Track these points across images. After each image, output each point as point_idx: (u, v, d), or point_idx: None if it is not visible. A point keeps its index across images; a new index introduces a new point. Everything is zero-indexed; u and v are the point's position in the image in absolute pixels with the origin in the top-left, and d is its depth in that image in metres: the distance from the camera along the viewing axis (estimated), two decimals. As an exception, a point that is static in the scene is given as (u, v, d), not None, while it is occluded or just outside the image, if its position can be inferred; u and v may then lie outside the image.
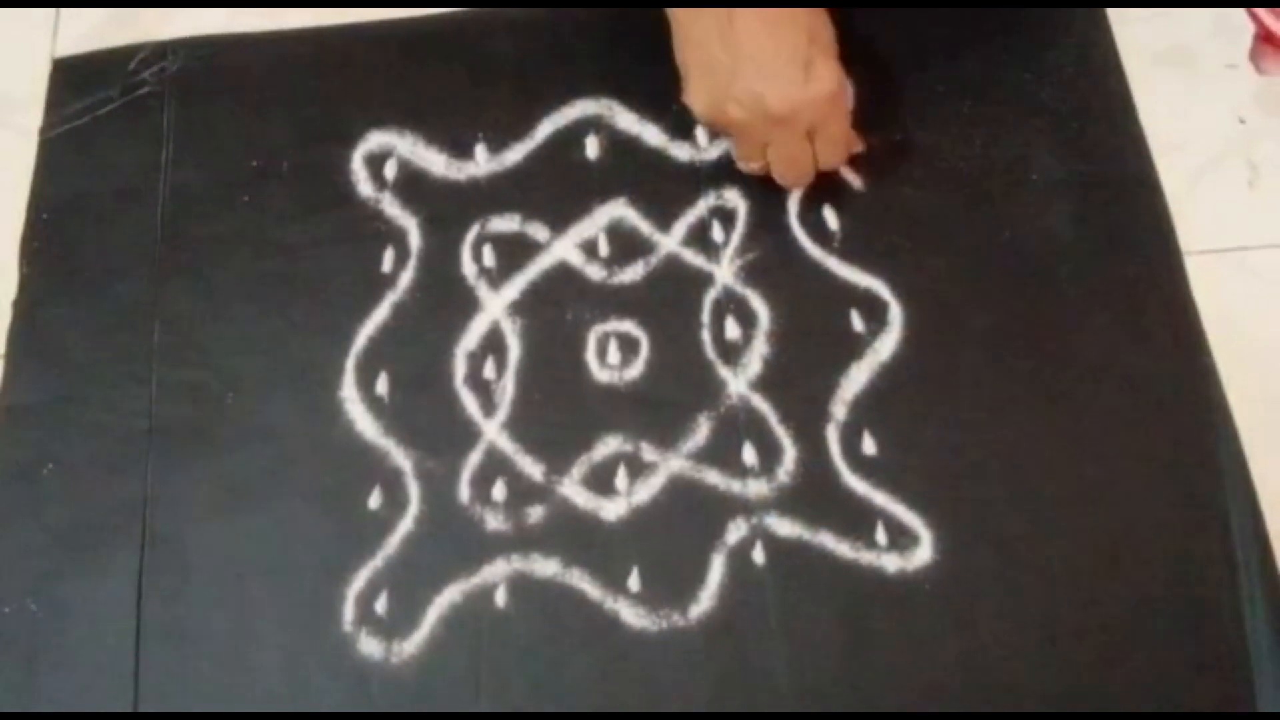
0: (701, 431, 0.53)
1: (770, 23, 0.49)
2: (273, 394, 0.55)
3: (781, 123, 0.51)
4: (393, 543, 0.52)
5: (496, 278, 0.57)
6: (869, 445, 0.53)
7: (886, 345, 0.55)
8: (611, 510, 0.52)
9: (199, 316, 0.57)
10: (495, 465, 0.53)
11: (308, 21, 0.64)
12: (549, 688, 0.49)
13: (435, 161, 0.60)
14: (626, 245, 0.57)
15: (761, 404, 0.54)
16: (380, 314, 0.56)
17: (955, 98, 0.60)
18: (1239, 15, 0.57)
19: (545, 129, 0.60)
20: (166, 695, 0.49)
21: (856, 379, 0.54)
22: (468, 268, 0.57)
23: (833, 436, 0.53)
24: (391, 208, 0.59)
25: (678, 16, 0.52)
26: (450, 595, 0.51)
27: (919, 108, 0.60)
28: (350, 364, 0.55)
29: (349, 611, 0.51)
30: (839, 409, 0.54)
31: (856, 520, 0.51)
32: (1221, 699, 0.48)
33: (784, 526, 0.51)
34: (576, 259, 0.57)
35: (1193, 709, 0.48)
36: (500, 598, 0.51)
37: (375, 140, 0.60)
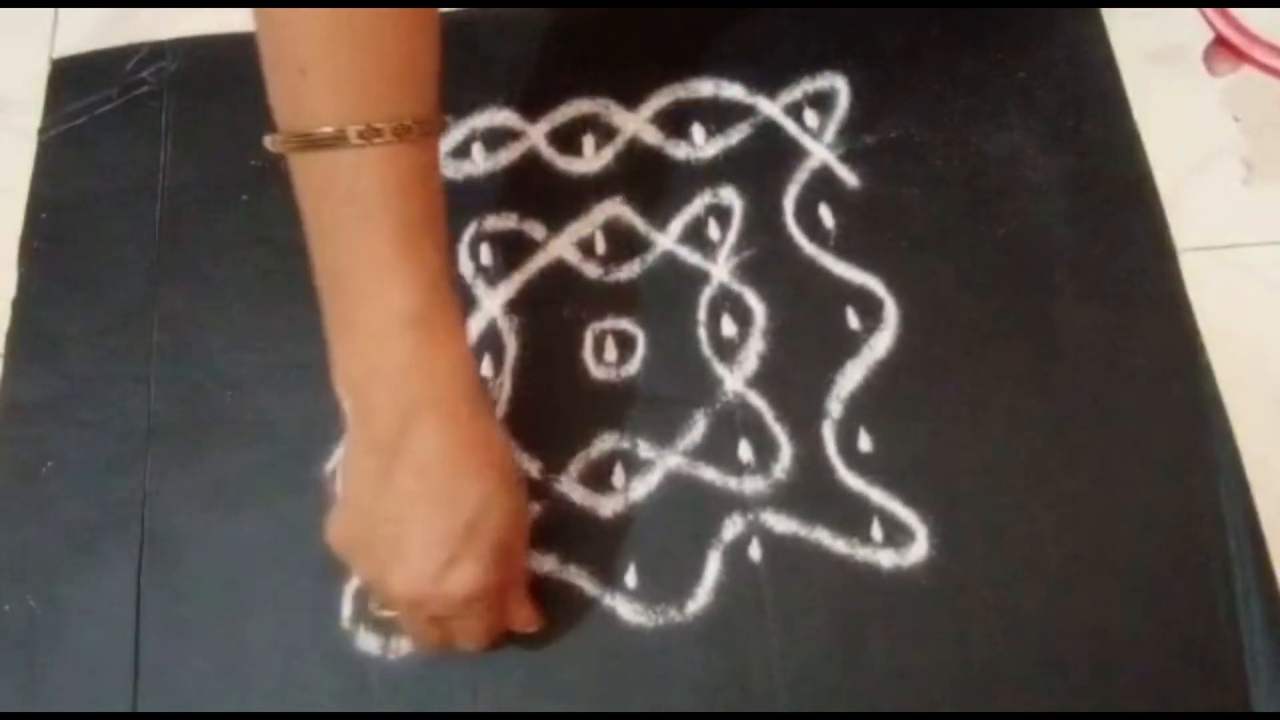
0: (698, 428, 0.54)
1: (429, 497, 0.41)
2: (271, 392, 0.55)
3: (401, 602, 0.43)
4: (391, 540, 0.52)
5: (494, 276, 0.57)
6: (864, 442, 0.53)
7: (882, 342, 0.55)
8: (608, 507, 0.52)
9: (198, 315, 0.57)
10: (493, 462, 0.53)
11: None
12: (546, 683, 0.49)
13: (433, 160, 0.60)
14: (623, 243, 0.58)
15: (758, 401, 0.54)
16: (378, 312, 0.56)
17: (950, 96, 0.60)
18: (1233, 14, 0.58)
19: (542, 128, 0.60)
20: (166, 691, 0.50)
21: (852, 376, 0.54)
22: (465, 266, 0.57)
23: (828, 433, 0.53)
24: (389, 206, 0.59)
25: (352, 433, 0.43)
26: (448, 592, 0.51)
27: (914, 106, 0.60)
28: (348, 362, 0.55)
29: (347, 608, 0.51)
30: (835, 406, 0.54)
31: (852, 517, 0.52)
32: (1216, 694, 0.48)
33: (780, 523, 0.52)
34: (573, 257, 0.58)
35: (1188, 704, 0.48)
36: (498, 594, 0.51)
37: (373, 139, 0.60)
